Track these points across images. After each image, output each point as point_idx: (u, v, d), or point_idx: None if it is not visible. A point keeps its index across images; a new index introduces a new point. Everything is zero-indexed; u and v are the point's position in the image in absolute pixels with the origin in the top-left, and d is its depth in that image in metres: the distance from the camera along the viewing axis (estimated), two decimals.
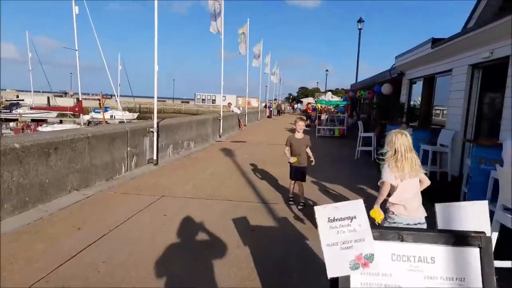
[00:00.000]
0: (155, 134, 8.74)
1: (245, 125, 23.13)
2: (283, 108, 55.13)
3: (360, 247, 1.79)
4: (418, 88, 10.84)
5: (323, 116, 20.06)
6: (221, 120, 15.89)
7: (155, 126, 8.78)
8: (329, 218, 1.82)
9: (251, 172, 8.35)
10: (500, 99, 7.52)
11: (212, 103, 76.90)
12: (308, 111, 25.55)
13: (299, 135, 5.78)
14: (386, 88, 13.37)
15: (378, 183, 3.05)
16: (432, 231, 1.94)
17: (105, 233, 4.26)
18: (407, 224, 2.92)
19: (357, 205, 1.85)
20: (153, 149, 8.75)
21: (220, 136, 15.72)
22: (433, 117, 9.40)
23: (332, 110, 18.05)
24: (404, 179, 2.94)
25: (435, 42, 8.67)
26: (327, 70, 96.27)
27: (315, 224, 2.40)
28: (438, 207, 2.00)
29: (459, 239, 1.84)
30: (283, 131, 21.02)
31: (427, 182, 3.12)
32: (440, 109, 9.24)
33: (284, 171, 8.55)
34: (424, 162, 7.72)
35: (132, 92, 56.52)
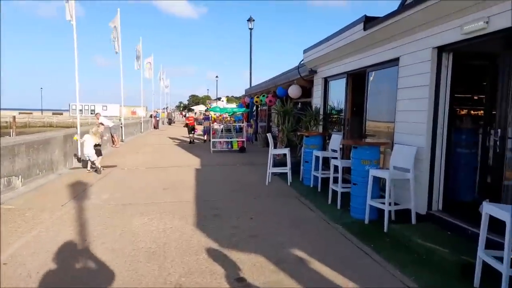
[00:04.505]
0: None
1: (122, 141, 18.59)
2: (173, 117, 50.58)
3: None
4: (338, 88, 8.41)
5: (217, 126, 16.90)
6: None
7: None
8: None
9: (111, 243, 4.58)
10: (493, 96, 5.29)
11: (91, 113, 67.62)
12: (188, 122, 18.55)
13: None
14: (293, 90, 10.84)
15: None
16: None
17: None
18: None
19: None
20: None
21: (79, 161, 11.24)
22: (367, 127, 6.95)
23: (228, 118, 15.01)
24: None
25: (369, 21, 6.21)
26: (217, 77, 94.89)
27: None
28: None
29: None
30: (171, 146, 17.21)
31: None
32: (377, 117, 6.84)
33: (178, 226, 4.86)
34: (375, 195, 5.09)
35: None
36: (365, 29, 6.26)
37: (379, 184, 5.44)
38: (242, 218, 5.61)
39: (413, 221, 4.96)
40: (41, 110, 79.30)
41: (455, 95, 5.06)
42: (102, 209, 6.08)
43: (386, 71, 6.28)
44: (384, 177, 4.98)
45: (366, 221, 5.21)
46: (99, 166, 9.83)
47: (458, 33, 4.33)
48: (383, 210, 4.95)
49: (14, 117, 46.08)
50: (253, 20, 23.98)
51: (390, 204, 5.04)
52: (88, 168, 9.84)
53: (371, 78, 6.79)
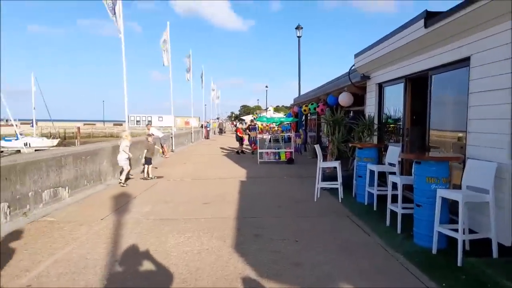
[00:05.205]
0: None
1: (172, 151, 18.87)
2: (224, 127, 51.30)
3: None
4: (395, 94, 7.57)
5: (265, 136, 16.46)
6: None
7: None
8: None
9: (141, 266, 4.25)
10: None
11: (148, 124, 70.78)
12: (239, 133, 18.00)
13: None
14: (344, 98, 10.09)
15: None
16: None
17: None
18: None
19: None
20: None
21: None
22: (429, 137, 6.07)
23: (276, 128, 14.52)
24: None
25: (431, 17, 5.40)
26: (266, 86, 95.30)
27: None
28: None
29: None
30: (219, 156, 17.07)
31: None
32: (442, 126, 5.94)
33: (214, 248, 4.21)
34: (444, 219, 4.26)
35: (51, 116, 49.69)
36: (426, 26, 5.46)
37: (448, 206, 4.58)
38: (286, 240, 5.02)
39: (495, 254, 4.05)
40: (103, 121, 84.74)
41: None
42: (140, 224, 5.83)
43: (453, 73, 5.41)
44: (456, 199, 4.13)
45: (434, 251, 4.38)
46: (125, 179, 9.66)
47: None
48: (454, 238, 4.11)
49: (78, 128, 49.67)
50: (301, 28, 23.42)
51: (464, 231, 4.18)
52: (145, 175, 10.42)
53: (434, 82, 5.92)
